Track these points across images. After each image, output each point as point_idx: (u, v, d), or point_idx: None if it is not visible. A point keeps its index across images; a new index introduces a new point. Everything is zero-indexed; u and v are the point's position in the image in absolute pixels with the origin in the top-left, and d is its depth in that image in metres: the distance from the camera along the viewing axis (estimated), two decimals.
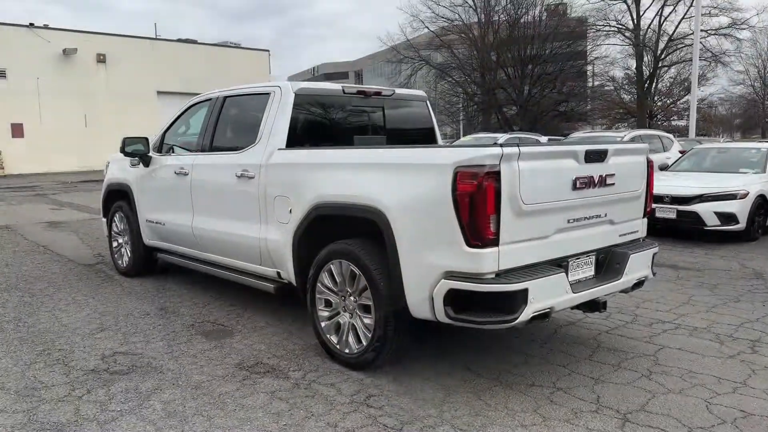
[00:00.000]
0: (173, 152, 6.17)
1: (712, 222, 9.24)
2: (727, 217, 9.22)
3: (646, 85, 39.94)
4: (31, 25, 29.22)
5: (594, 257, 4.09)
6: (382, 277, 3.84)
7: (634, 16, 38.35)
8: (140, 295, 6.19)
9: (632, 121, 40.88)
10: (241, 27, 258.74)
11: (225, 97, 5.56)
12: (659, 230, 10.21)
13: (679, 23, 37.73)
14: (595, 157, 3.88)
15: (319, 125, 5.12)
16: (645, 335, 4.91)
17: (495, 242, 3.41)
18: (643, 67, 39.78)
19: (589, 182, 3.84)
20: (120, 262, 7.15)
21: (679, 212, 9.41)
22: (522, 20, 37.75)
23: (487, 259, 3.40)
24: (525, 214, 3.51)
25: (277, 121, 4.81)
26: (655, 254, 4.48)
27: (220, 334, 4.97)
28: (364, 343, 4.04)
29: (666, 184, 9.89)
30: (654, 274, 4.51)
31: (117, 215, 7.10)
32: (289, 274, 4.64)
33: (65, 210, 14.26)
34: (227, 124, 5.50)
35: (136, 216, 6.63)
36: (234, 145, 5.25)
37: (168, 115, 6.74)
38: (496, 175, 3.35)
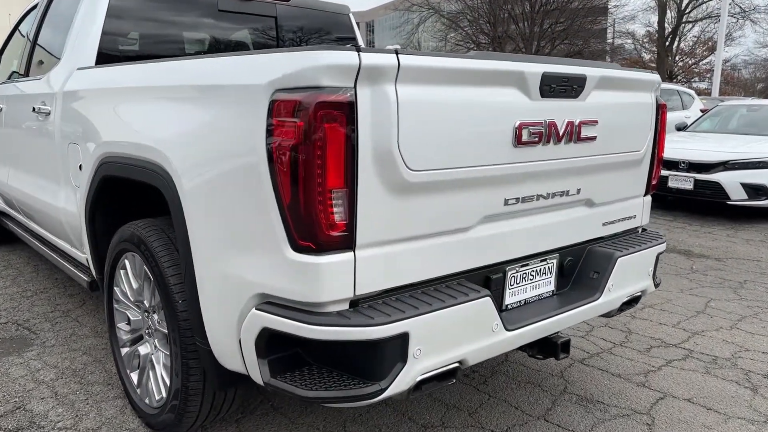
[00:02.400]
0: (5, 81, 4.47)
1: (737, 195, 7.48)
2: (756, 190, 7.45)
3: (668, 42, 37.31)
4: None
5: (555, 263, 2.42)
6: (182, 288, 2.19)
7: None
8: None
9: None
10: None
11: None
12: (671, 203, 8.49)
13: None
14: (562, 87, 2.15)
15: (160, 37, 3.38)
16: (639, 370, 3.27)
17: (347, 243, 1.74)
18: (666, 24, 37.06)
19: (547, 133, 2.13)
20: None
21: (697, 182, 7.65)
22: None
23: (330, 276, 1.73)
24: (413, 189, 1.83)
25: (85, 26, 3.10)
26: (660, 254, 2.79)
27: (11, 346, 3.38)
28: (164, 396, 2.43)
29: (683, 147, 8.11)
30: (657, 284, 2.83)
31: None
32: (90, 263, 3.01)
33: None
34: (45, 37, 3.77)
35: None
36: (43, 68, 3.56)
37: None
38: (345, 110, 1.66)
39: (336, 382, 1.80)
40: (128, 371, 2.69)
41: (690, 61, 41.66)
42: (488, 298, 1.99)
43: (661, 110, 2.74)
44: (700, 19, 37.80)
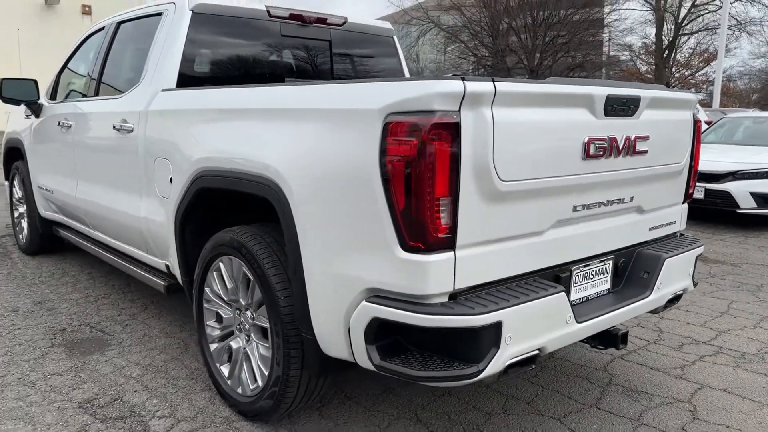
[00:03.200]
0: (69, 99, 4.75)
1: (746, 204, 7.79)
2: (765, 198, 7.76)
3: (665, 54, 37.86)
4: None
5: (611, 263, 2.70)
6: (283, 286, 2.47)
7: None
8: (27, 282, 4.86)
9: None
10: None
11: (119, 23, 4.13)
12: None
13: None
14: (621, 107, 2.45)
15: (230, 60, 3.67)
16: (675, 364, 3.54)
17: (449, 244, 2.02)
18: (663, 36, 37.63)
19: (610, 148, 2.43)
20: (20, 236, 5.81)
21: (707, 191, 7.95)
22: None
23: (435, 272, 2.01)
24: (502, 198, 2.11)
25: (165, 51, 3.39)
26: (698, 256, 3.08)
27: (91, 346, 3.63)
28: (260, 384, 2.69)
29: None
30: (696, 284, 3.12)
31: (16, 179, 5.74)
32: (174, 268, 3.28)
33: None
34: (117, 59, 4.07)
35: (30, 180, 5.27)
36: (118, 87, 3.84)
37: None
38: (452, 130, 1.94)
39: (438, 364, 2.07)
40: (218, 365, 2.95)
41: (686, 73, 42.22)
42: (563, 293, 2.27)
43: (696, 124, 3.04)
44: (697, 32, 38.39)
